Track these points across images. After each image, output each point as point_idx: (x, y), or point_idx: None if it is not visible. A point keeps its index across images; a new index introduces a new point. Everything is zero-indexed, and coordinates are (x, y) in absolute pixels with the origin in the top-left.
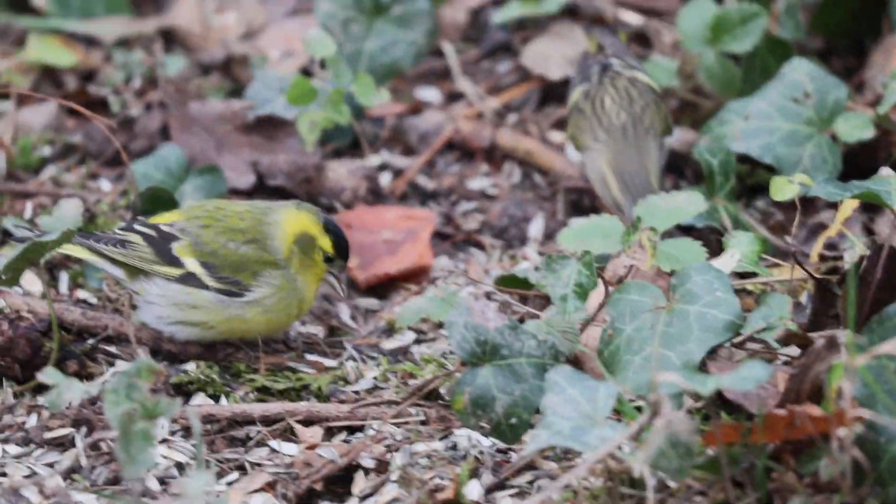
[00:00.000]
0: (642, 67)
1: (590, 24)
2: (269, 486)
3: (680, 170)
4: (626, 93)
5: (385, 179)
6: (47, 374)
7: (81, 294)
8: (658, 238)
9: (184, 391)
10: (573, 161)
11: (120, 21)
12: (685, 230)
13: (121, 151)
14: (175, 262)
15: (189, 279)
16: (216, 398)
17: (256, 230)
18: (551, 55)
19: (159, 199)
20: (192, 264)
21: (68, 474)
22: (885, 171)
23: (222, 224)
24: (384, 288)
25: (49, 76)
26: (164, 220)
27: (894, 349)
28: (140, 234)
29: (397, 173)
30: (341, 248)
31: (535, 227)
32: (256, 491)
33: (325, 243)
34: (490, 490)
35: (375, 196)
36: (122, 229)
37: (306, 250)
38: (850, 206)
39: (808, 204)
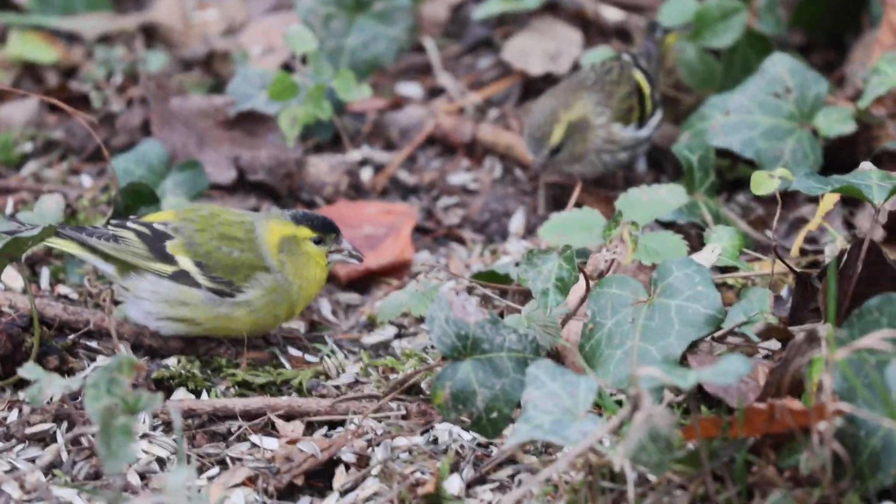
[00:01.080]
0: (649, 72)
1: (570, 19)
2: (250, 481)
3: (660, 165)
4: (606, 69)
5: (366, 174)
6: (28, 370)
7: (62, 289)
8: (639, 232)
9: (165, 386)
10: None
11: (101, 17)
12: (666, 225)
13: (102, 147)
14: (168, 259)
15: (181, 277)
16: (197, 393)
17: (250, 243)
18: (532, 50)
19: (140, 195)
20: (186, 262)
21: (49, 469)
22: (865, 165)
23: (217, 230)
24: (365, 283)
25: (30, 72)
26: (156, 218)
27: (874, 343)
28: (133, 230)
29: (378, 168)
30: (322, 225)
31: (516, 222)
32: (237, 485)
33: (304, 232)
34: (470, 484)
35: (356, 191)
36: (114, 225)
37: (293, 250)
38: (830, 200)
39: (789, 198)
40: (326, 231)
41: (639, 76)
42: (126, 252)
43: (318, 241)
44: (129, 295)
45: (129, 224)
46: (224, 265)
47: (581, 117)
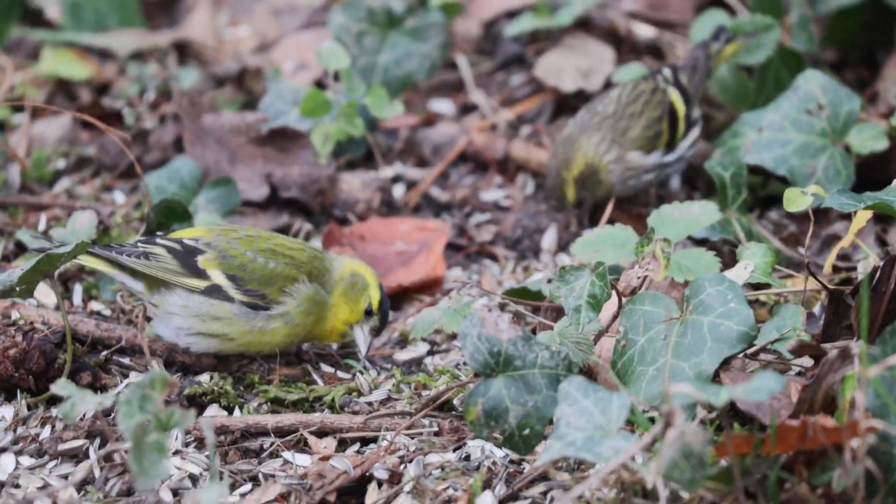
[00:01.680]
0: (689, 88)
1: (602, 36)
2: (283, 498)
3: (693, 182)
4: (636, 94)
5: (398, 191)
6: (61, 386)
7: (95, 306)
8: (671, 249)
9: (197, 402)
10: None
11: (134, 34)
12: (699, 242)
13: (135, 164)
14: (200, 273)
15: (214, 291)
16: (230, 409)
17: (309, 262)
18: (564, 67)
19: (173, 212)
20: (218, 276)
21: (82, 486)
22: None
23: (265, 244)
24: (397, 299)
25: (63, 89)
26: (186, 234)
27: None
28: (164, 246)
29: (411, 185)
30: (383, 311)
31: (549, 239)
32: (270, 502)
33: (374, 294)
34: (503, 501)
35: (389, 208)
36: (143, 242)
37: (355, 288)
38: (863, 217)
39: (822, 215)
40: (380, 319)
41: (675, 96)
42: (157, 268)
43: (368, 312)
44: (158, 311)
45: (158, 240)
46: (259, 277)
47: (585, 167)
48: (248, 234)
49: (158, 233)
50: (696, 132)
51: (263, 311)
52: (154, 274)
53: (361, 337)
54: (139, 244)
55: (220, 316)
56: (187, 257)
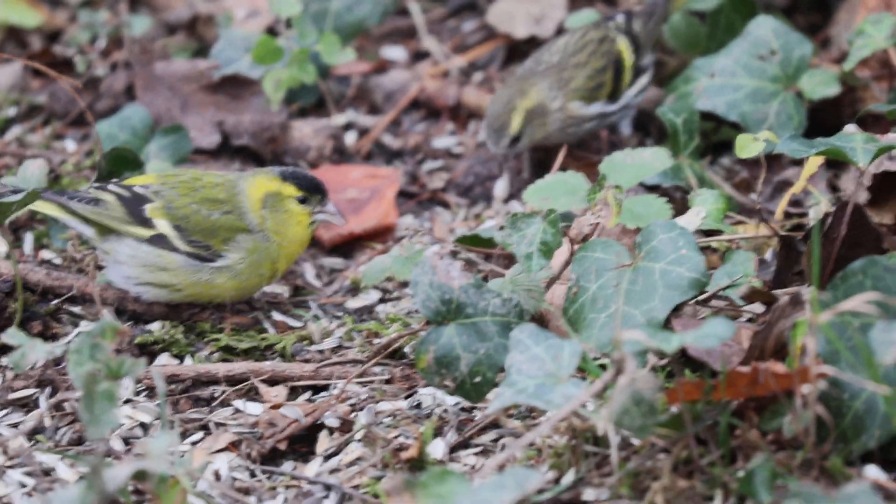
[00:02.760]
0: (641, 35)
1: None
2: (234, 446)
3: (645, 128)
4: (583, 44)
5: (350, 138)
6: (11, 335)
7: (46, 254)
8: (623, 195)
9: (148, 351)
10: None
11: None
12: (651, 189)
13: (86, 112)
14: (146, 223)
15: (159, 241)
16: (180, 358)
17: (232, 202)
18: (517, 13)
19: (124, 160)
20: (164, 226)
21: (32, 435)
22: (849, 127)
23: (199, 194)
24: (349, 247)
25: (14, 36)
26: (138, 181)
27: (857, 306)
28: (113, 193)
29: (363, 132)
30: (309, 184)
31: (501, 186)
32: (220, 450)
33: (289, 190)
34: (454, 448)
35: (341, 155)
36: (95, 188)
37: (276, 206)
38: (815, 162)
39: (773, 161)
40: (312, 191)
41: (623, 45)
42: (105, 215)
43: (302, 201)
44: (109, 259)
45: (110, 187)
46: (202, 228)
47: (537, 104)
48: (192, 177)
49: (113, 179)
50: (644, 80)
51: (209, 263)
52: (102, 221)
53: (327, 217)
54: (90, 190)
55: (166, 266)
56: (135, 205)
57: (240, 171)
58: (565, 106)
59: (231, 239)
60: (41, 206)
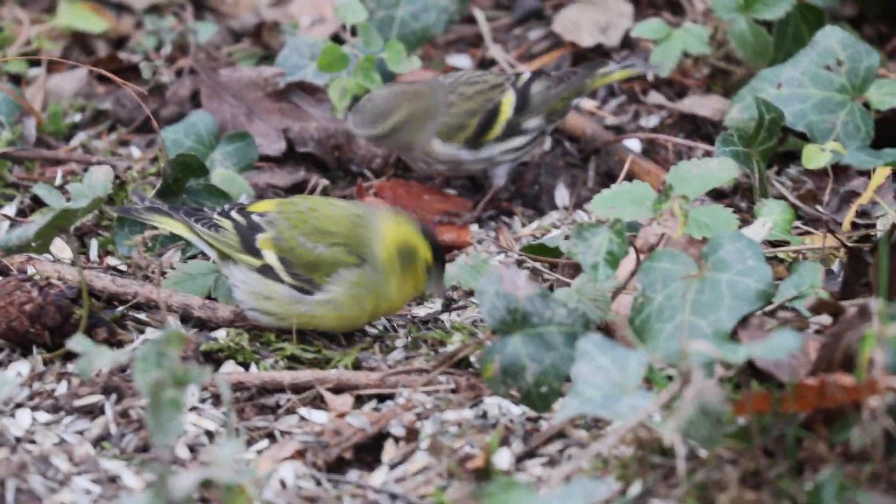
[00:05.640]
0: (550, 94)
1: None
2: (299, 454)
3: (710, 138)
4: (474, 81)
5: None
6: (77, 342)
7: (111, 261)
8: (689, 206)
9: (213, 359)
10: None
11: None
12: (716, 198)
13: (151, 118)
14: (257, 253)
15: (267, 271)
16: (246, 366)
17: (351, 234)
18: (583, 22)
19: (189, 167)
20: (271, 257)
21: (97, 442)
22: None
23: (310, 225)
24: None
25: (79, 42)
26: (258, 208)
27: None
28: (232, 220)
29: None
30: (438, 255)
31: (567, 195)
32: (286, 459)
33: (425, 252)
34: (520, 458)
35: (405, 166)
36: (219, 213)
37: (406, 258)
38: (882, 173)
39: (840, 172)
40: (438, 262)
41: (507, 99)
42: (222, 242)
43: (428, 269)
44: (229, 282)
45: (232, 213)
46: (306, 262)
47: (423, 111)
48: (309, 207)
49: (238, 203)
50: (519, 141)
51: (309, 297)
52: (219, 248)
53: (436, 289)
54: (214, 216)
55: (271, 296)
56: (249, 234)
57: (304, 183)
58: (430, 139)
59: (334, 272)
60: (169, 224)
